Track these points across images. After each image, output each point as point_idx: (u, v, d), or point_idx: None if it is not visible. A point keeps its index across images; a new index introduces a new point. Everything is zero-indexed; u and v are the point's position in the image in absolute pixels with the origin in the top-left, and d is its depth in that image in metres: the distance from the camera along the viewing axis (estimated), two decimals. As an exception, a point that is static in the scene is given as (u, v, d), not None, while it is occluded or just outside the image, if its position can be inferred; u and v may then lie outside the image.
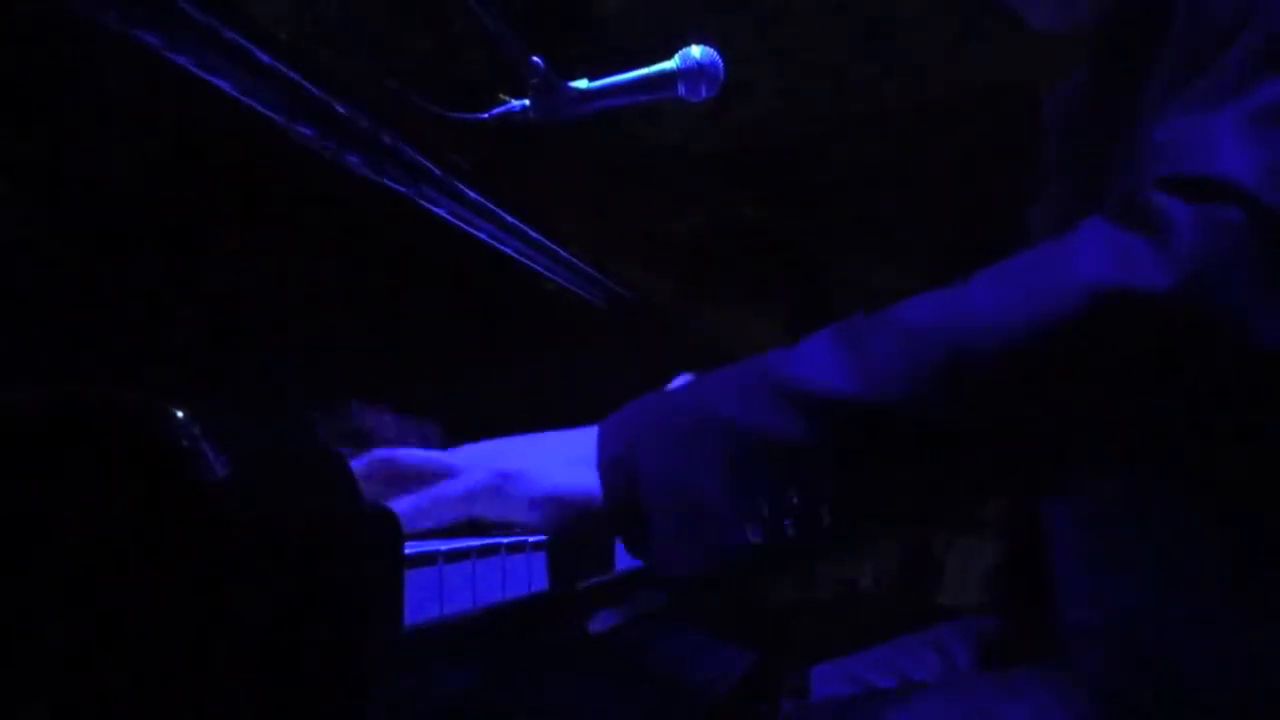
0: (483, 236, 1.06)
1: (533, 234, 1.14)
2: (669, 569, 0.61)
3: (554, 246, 1.19)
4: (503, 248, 1.11)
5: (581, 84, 1.17)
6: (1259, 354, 0.55)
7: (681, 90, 1.16)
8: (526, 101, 1.17)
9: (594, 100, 1.17)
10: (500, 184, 1.05)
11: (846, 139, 2.81)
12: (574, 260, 1.25)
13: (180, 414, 0.39)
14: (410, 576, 0.53)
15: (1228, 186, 0.56)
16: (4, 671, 0.38)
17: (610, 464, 0.64)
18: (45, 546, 0.39)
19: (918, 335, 0.58)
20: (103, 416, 0.39)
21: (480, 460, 0.68)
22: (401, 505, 0.65)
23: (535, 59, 1.14)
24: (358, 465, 0.67)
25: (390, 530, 0.51)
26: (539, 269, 1.20)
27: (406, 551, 0.54)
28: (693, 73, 1.15)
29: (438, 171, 0.96)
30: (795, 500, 0.58)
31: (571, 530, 0.66)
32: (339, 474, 0.47)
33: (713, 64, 1.16)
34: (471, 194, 1.01)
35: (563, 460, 0.66)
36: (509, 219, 1.08)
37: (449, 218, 1.00)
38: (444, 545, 0.60)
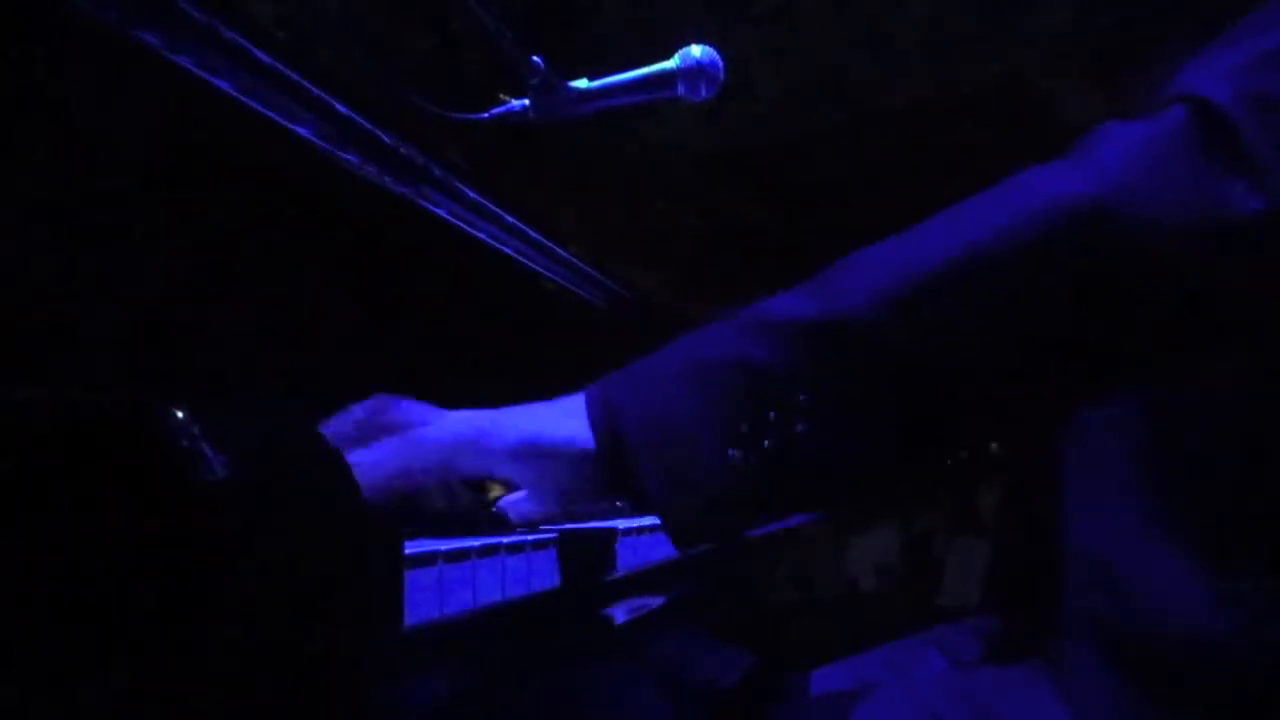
0: (483, 236, 1.06)
1: (533, 234, 1.14)
2: (655, 504, 0.61)
3: (554, 246, 1.19)
4: (503, 248, 1.11)
5: (581, 84, 1.17)
6: (1179, 243, 0.55)
7: (681, 90, 1.16)
8: (526, 101, 1.17)
9: (594, 100, 1.17)
10: (500, 184, 1.05)
11: (846, 139, 2.81)
12: (574, 260, 1.26)
13: (180, 414, 0.39)
14: (410, 576, 0.53)
15: (1184, 97, 0.57)
16: (3, 672, 0.38)
17: (594, 408, 0.64)
18: (45, 547, 0.39)
19: (875, 261, 0.62)
20: (103, 416, 0.39)
21: (466, 416, 0.67)
22: (377, 451, 0.64)
23: (535, 59, 1.14)
24: (362, 407, 0.67)
25: (390, 530, 0.51)
26: (539, 269, 1.20)
27: (406, 551, 0.54)
28: (693, 72, 1.15)
29: (438, 171, 0.96)
30: (772, 415, 0.59)
31: (553, 482, 0.64)
32: (339, 474, 0.47)
33: (713, 64, 1.16)
34: (471, 194, 1.01)
35: (547, 414, 0.66)
36: (509, 219, 1.08)
37: (449, 218, 1.00)
38: (444, 545, 0.60)
